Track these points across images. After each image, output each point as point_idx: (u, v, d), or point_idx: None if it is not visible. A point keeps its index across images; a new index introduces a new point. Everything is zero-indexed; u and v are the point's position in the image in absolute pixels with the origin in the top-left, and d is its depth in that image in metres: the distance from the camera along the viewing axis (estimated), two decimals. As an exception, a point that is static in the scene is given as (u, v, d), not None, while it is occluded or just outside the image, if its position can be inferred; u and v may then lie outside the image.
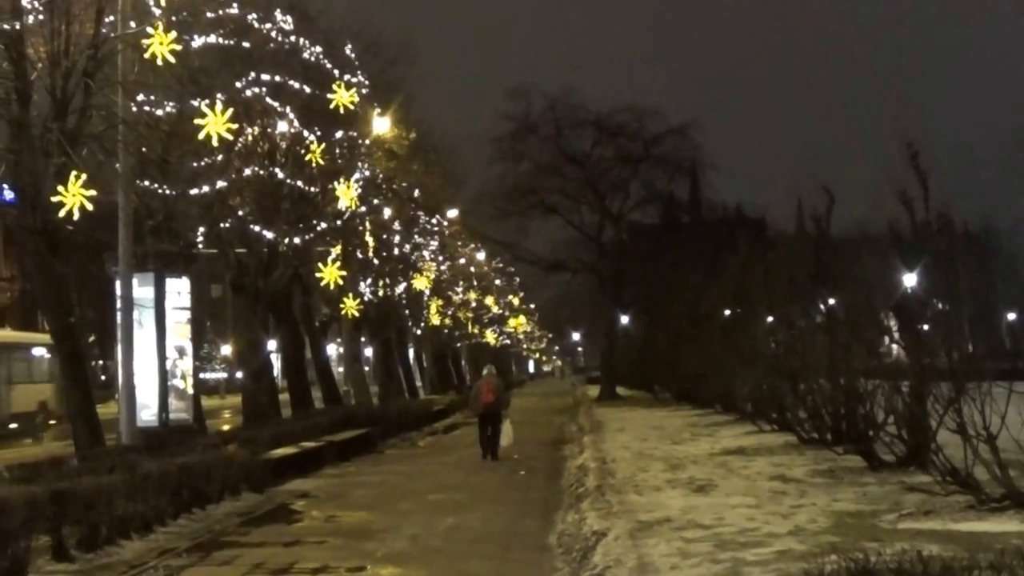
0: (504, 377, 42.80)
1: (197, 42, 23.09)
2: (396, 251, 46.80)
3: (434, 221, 54.88)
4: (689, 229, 73.69)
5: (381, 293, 45.62)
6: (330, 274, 29.33)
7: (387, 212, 42.89)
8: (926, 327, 19.28)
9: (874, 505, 14.66)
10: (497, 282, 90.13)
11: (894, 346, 19.37)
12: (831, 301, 23.48)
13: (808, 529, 13.04)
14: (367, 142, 35.41)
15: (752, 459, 22.06)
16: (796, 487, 17.19)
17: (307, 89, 28.66)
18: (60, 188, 18.28)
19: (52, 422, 42.82)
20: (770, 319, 28.81)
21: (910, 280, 24.27)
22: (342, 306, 37.65)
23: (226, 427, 35.45)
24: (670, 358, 47.78)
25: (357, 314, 39.27)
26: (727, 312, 38.36)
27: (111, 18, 21.34)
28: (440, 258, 58.66)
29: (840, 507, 14.73)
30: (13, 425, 42.46)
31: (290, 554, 15.46)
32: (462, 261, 69.23)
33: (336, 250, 33.86)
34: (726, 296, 37.28)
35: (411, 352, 67.17)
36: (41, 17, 20.29)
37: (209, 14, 23.56)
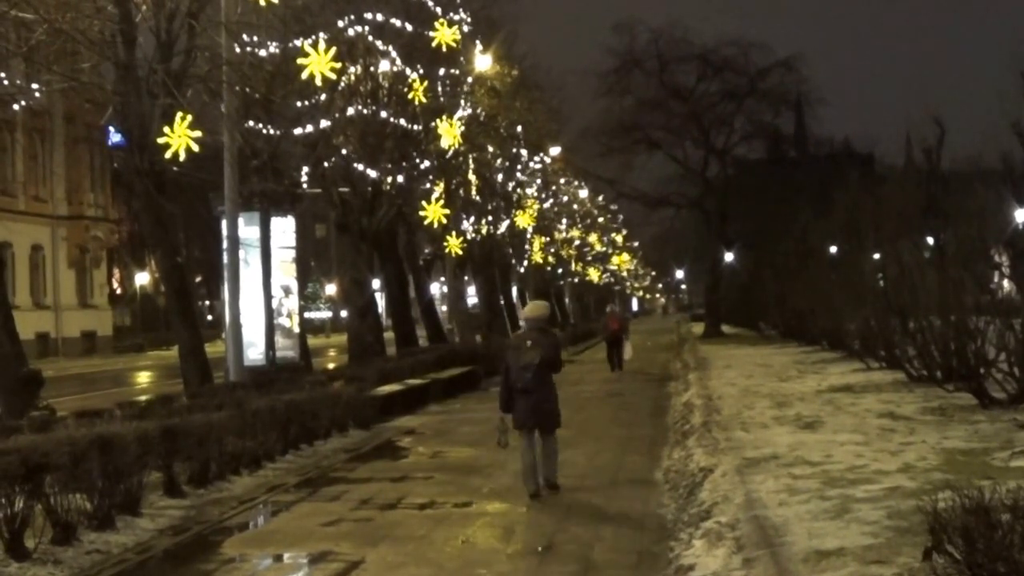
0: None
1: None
2: (499, 189, 46.81)
3: (537, 158, 54.75)
4: (795, 164, 72.88)
5: (484, 231, 45.67)
6: (434, 212, 29.41)
7: (490, 150, 42.88)
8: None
9: (985, 443, 14.39)
10: (600, 220, 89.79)
11: (1006, 282, 19.00)
12: (941, 236, 23.04)
13: (918, 466, 12.85)
14: (470, 80, 35.34)
15: (860, 396, 21.79)
16: (905, 424, 16.94)
17: (409, 27, 28.61)
18: (166, 129, 18.45)
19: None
20: (878, 255, 28.37)
21: (1023, 215, 23.72)
22: (446, 244, 37.83)
23: (332, 365, 35.74)
24: (776, 295, 47.40)
25: (461, 252, 39.42)
26: (834, 248, 37.90)
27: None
28: (543, 196, 58.56)
29: (950, 445, 14.50)
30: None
31: (397, 489, 15.57)
32: (565, 199, 69.06)
33: (439, 188, 33.91)
34: (834, 231, 36.77)
35: (514, 290, 67.24)
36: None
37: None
